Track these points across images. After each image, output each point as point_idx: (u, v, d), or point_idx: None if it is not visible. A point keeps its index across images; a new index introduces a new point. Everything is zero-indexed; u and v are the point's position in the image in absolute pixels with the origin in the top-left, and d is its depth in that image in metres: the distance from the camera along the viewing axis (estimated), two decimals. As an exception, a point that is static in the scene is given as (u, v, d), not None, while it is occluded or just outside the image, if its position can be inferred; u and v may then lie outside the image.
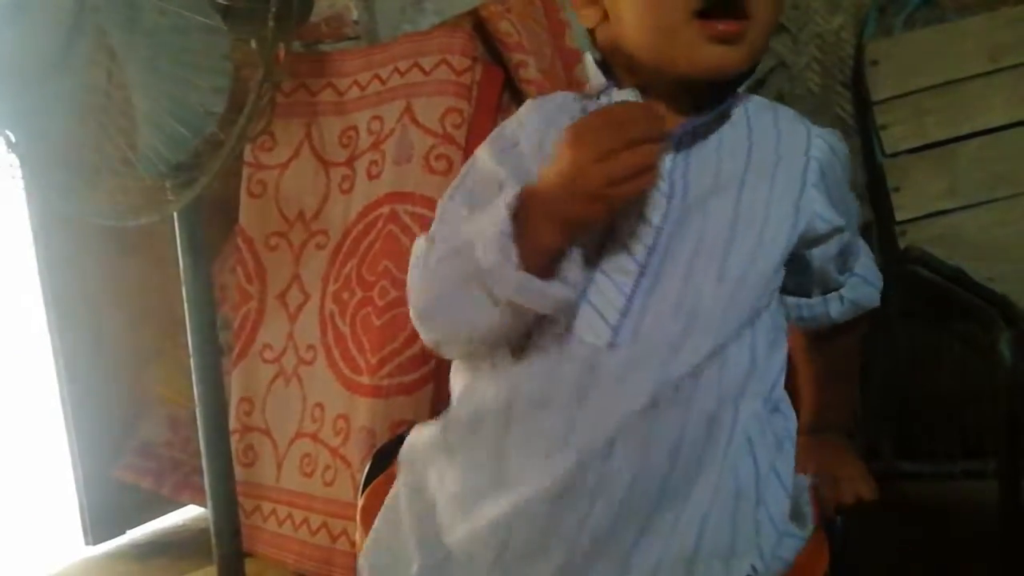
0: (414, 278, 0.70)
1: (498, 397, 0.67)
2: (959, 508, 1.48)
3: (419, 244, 0.71)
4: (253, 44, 1.21)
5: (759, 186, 0.68)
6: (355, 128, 1.52)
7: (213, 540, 1.37)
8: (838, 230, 0.72)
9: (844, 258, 0.76)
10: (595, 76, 0.74)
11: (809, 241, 0.71)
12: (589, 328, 0.65)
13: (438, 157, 1.38)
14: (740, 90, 0.72)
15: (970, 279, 1.33)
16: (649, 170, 0.61)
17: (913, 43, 1.60)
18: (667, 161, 0.68)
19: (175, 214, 1.29)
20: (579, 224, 0.63)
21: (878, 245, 1.64)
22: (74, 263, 1.71)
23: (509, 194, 0.64)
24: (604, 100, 0.73)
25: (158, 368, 1.79)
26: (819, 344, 0.84)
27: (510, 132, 0.75)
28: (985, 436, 1.55)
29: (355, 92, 1.53)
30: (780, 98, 1.69)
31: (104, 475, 1.72)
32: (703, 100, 0.70)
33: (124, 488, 1.73)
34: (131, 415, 1.77)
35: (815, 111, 1.69)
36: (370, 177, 1.48)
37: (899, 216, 1.57)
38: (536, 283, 0.62)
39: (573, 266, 0.64)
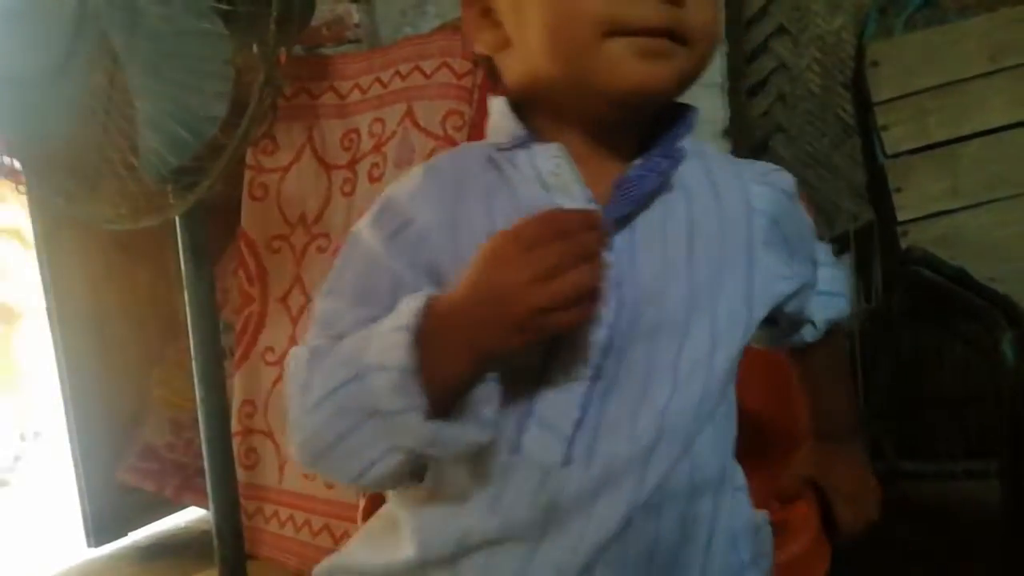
0: (292, 404, 0.57)
1: (443, 539, 0.57)
2: (961, 508, 1.48)
3: (297, 356, 0.58)
4: (255, 48, 1.21)
5: (709, 254, 0.59)
6: (356, 131, 1.52)
7: (215, 542, 1.37)
8: (806, 283, 0.67)
9: (810, 291, 0.69)
10: (513, 127, 0.60)
11: (778, 306, 0.64)
12: (539, 445, 0.55)
13: (439, 159, 1.39)
14: (680, 145, 0.60)
15: (972, 279, 1.33)
16: (595, 295, 0.51)
17: (914, 44, 1.60)
18: (613, 241, 0.56)
19: (177, 217, 1.30)
20: (497, 357, 0.51)
21: (880, 246, 1.64)
22: (77, 266, 1.71)
23: (408, 311, 0.51)
24: (523, 155, 0.59)
25: (160, 371, 1.80)
26: (801, 358, 0.78)
27: (400, 207, 0.61)
28: (987, 436, 1.55)
29: (356, 95, 1.53)
30: (781, 99, 1.69)
31: (107, 478, 1.73)
32: (636, 147, 0.60)
33: (127, 491, 1.73)
34: (133, 418, 1.78)
35: (816, 112, 1.69)
36: (372, 180, 1.48)
37: (901, 216, 1.57)
38: (448, 432, 0.51)
39: (488, 395, 0.52)
